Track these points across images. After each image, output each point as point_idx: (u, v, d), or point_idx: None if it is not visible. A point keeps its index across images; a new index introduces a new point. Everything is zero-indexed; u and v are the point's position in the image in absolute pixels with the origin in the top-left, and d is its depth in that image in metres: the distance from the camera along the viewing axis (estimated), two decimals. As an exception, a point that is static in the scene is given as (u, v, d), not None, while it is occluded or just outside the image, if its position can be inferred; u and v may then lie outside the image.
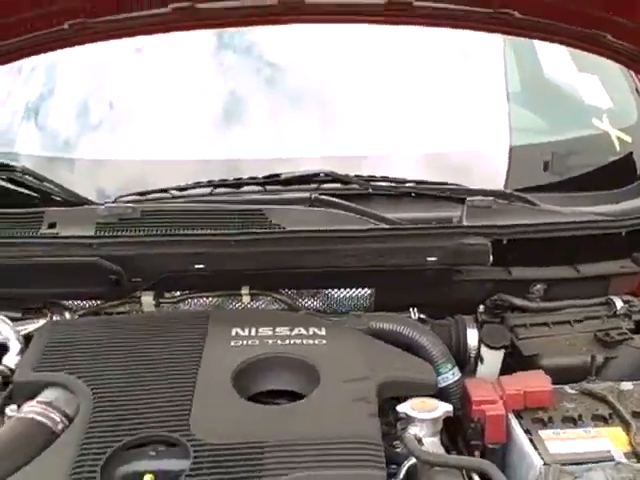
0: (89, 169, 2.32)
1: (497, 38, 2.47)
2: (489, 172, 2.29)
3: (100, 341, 1.65)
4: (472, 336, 1.80)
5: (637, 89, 2.43)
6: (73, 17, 1.89)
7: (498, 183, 2.22)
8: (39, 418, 1.46)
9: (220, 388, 1.49)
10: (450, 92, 2.42)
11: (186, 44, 2.43)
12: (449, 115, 2.36)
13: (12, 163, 2.20)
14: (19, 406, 1.53)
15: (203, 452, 1.33)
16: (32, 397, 1.53)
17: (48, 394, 1.53)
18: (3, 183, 2.17)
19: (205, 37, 2.48)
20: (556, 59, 2.61)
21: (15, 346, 1.71)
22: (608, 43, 2.06)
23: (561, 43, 2.23)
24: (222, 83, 2.43)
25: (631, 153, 2.33)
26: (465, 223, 1.89)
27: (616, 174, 2.26)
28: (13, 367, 1.66)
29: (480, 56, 2.52)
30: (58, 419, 1.47)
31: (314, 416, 1.43)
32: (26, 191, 2.15)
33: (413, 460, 1.38)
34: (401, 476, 1.36)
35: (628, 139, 2.36)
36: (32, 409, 1.49)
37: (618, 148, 2.34)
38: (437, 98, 2.40)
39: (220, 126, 2.35)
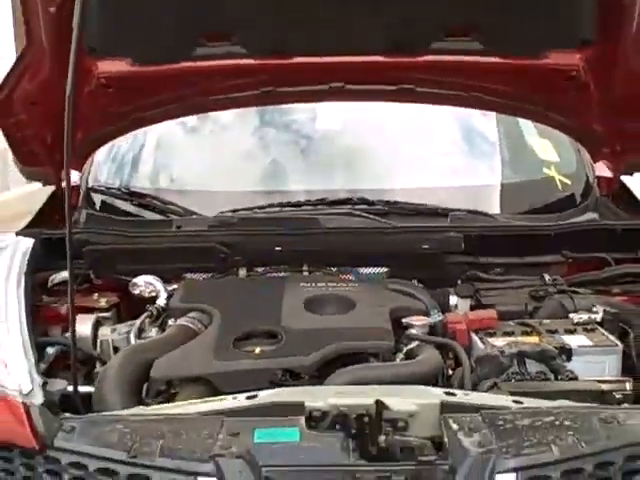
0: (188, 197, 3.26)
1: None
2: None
3: (221, 286, 2.65)
4: (452, 299, 2.74)
5: (578, 149, 3.47)
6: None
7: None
8: (188, 324, 2.42)
9: (296, 308, 2.45)
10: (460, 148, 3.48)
11: (235, 122, 3.47)
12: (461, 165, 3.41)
13: (144, 191, 3.26)
14: (175, 320, 2.50)
15: (289, 334, 2.30)
16: (181, 316, 2.49)
17: (192, 314, 2.47)
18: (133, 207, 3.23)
19: (250, 116, 3.43)
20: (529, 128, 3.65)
21: (163, 294, 2.65)
22: (551, 117, 3.10)
23: (521, 117, 3.29)
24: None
25: (573, 193, 3.36)
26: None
27: (561, 204, 3.27)
28: (163, 305, 2.60)
29: (483, 127, 3.55)
30: (199, 325, 2.42)
31: (351, 320, 2.40)
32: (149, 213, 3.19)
33: (412, 344, 2.33)
34: (405, 350, 2.29)
35: (568, 182, 3.39)
36: (183, 320, 2.44)
37: (561, 188, 3.38)
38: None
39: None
